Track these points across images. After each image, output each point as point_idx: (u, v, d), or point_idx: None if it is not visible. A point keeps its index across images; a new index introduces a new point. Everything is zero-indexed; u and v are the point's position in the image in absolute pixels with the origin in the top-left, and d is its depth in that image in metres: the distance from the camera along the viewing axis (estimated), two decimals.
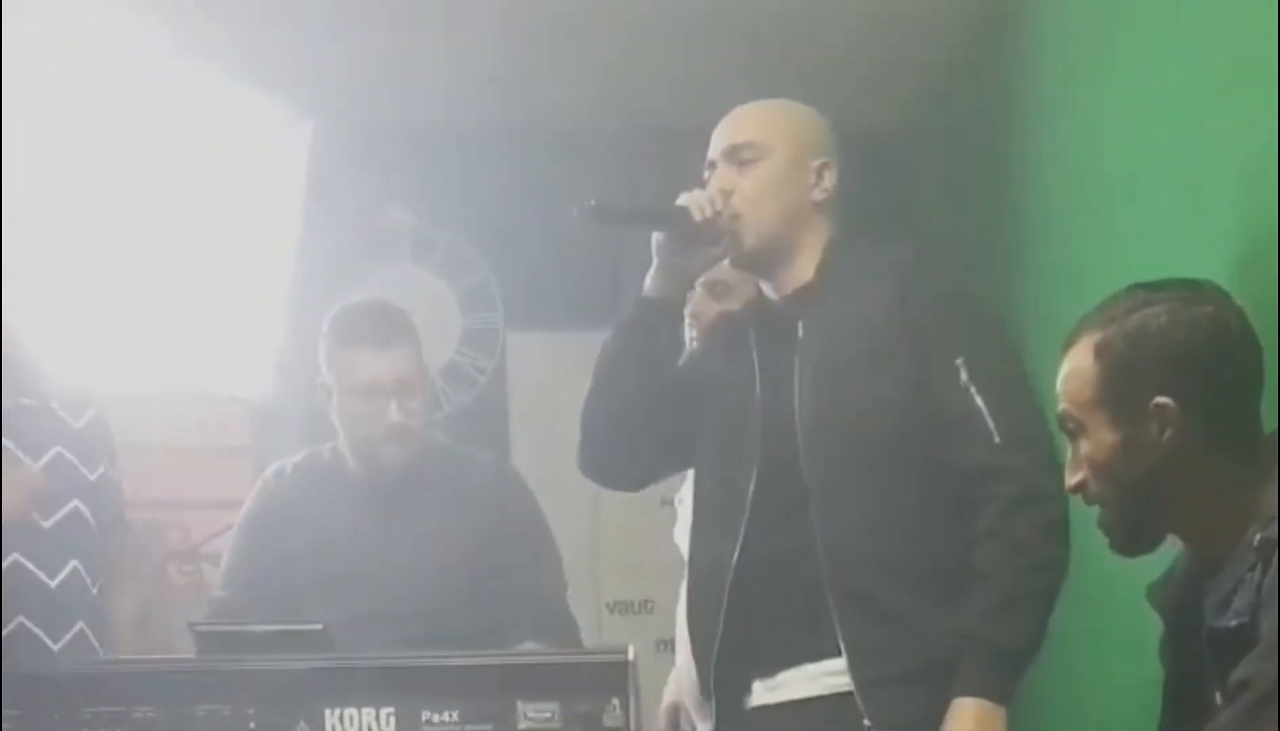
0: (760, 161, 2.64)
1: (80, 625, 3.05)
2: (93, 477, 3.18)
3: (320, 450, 3.38)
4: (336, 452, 3.33)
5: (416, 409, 3.25)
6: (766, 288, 2.71)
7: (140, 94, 3.97)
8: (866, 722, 2.44)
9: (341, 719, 2.42)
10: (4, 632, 2.93)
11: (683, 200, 2.61)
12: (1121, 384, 2.08)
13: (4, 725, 2.50)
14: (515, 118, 4.45)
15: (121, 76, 3.91)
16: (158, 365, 3.91)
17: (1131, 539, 2.14)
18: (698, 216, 2.59)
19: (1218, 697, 1.95)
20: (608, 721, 2.41)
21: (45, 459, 3.11)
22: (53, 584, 3.06)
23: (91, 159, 3.96)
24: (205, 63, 3.91)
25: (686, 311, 2.96)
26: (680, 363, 2.84)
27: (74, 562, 3.09)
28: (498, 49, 4.03)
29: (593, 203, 2.57)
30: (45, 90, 3.74)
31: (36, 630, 2.99)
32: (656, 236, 2.65)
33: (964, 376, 2.47)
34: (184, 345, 4.01)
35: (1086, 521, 2.22)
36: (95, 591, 3.11)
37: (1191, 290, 2.12)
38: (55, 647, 2.99)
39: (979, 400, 2.45)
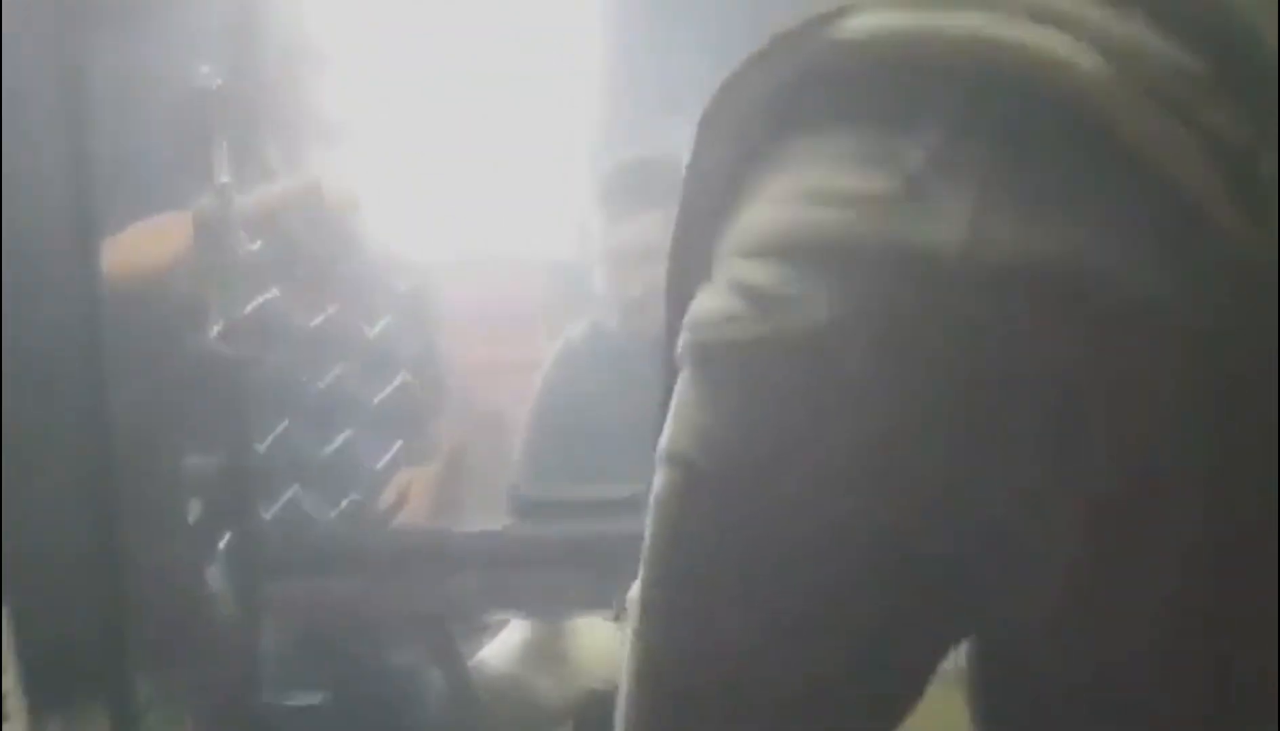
0: None
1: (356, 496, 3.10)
2: (417, 348, 3.21)
3: (601, 318, 3.36)
4: (607, 320, 3.30)
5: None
6: None
7: None
8: None
9: None
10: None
11: None
12: None
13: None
14: None
15: None
16: (460, 231, 3.91)
17: None
18: None
19: None
20: None
21: (378, 328, 3.15)
22: (378, 465, 3.10)
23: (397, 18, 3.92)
24: None
25: None
26: None
27: (398, 442, 3.14)
28: None
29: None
30: None
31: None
32: None
33: None
34: (484, 208, 4.00)
35: None
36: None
37: None
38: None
39: None
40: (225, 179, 2.34)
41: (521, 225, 4.02)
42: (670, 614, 1.30)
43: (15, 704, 2.84)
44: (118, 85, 2.49)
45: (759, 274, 1.20)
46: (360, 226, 3.12)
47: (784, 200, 1.21)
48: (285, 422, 3.03)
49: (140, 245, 2.83)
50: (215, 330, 2.33)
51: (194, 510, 2.55)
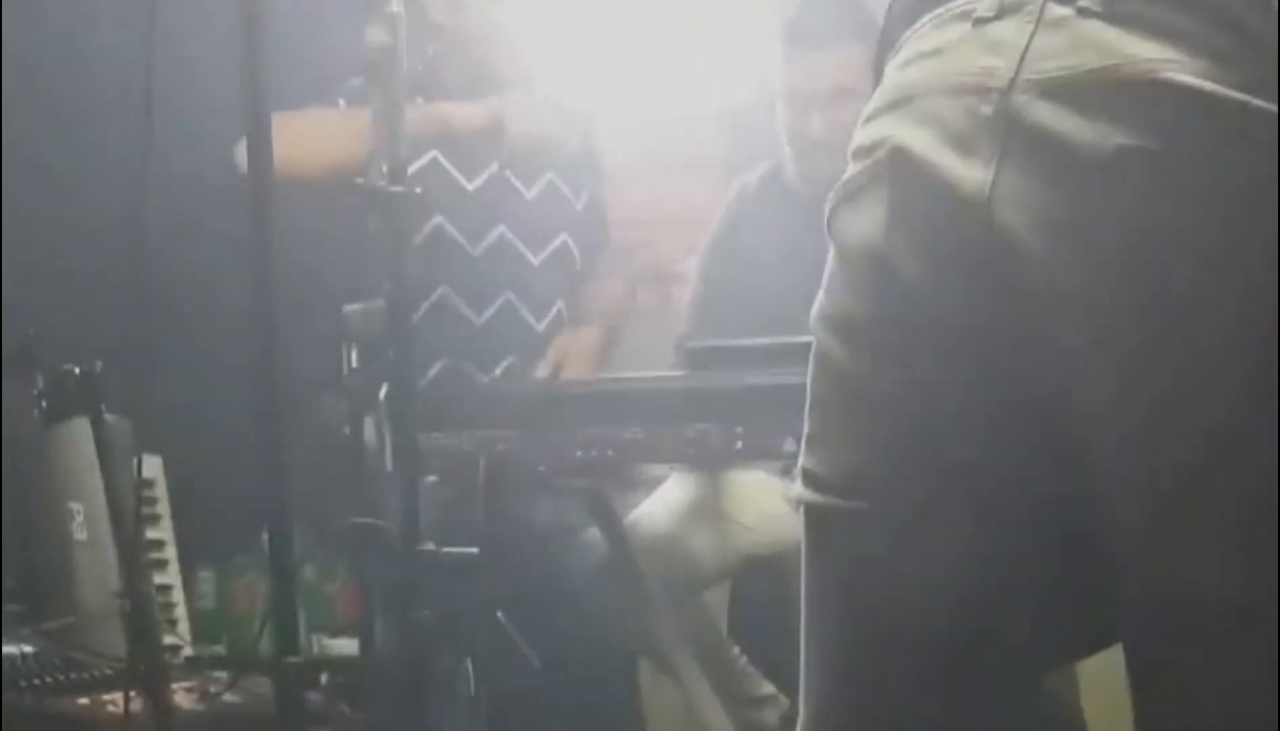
0: None
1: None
2: (579, 207, 3.15)
3: (776, 163, 3.24)
4: (784, 165, 3.19)
5: (848, 120, 3.04)
6: None
7: None
8: None
9: None
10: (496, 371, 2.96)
11: None
12: None
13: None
14: None
15: None
16: (628, 81, 3.81)
17: None
18: None
19: None
20: None
21: (538, 187, 3.09)
22: (539, 326, 3.05)
23: None
24: None
25: None
26: None
27: (559, 303, 3.08)
28: None
29: None
30: None
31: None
32: None
33: None
34: (656, 58, 3.89)
35: None
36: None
37: None
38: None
39: None
40: (395, 8, 2.26)
41: (695, 72, 3.90)
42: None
43: (170, 556, 2.86)
44: None
45: (861, 136, 1.29)
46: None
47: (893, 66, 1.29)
48: (443, 288, 2.99)
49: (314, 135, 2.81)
50: (382, 170, 2.26)
51: (352, 358, 2.52)
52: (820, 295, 1.32)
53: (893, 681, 1.29)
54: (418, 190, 2.32)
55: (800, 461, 1.33)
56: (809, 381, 1.33)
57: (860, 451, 1.27)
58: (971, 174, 1.19)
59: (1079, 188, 1.15)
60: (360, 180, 2.29)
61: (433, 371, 2.94)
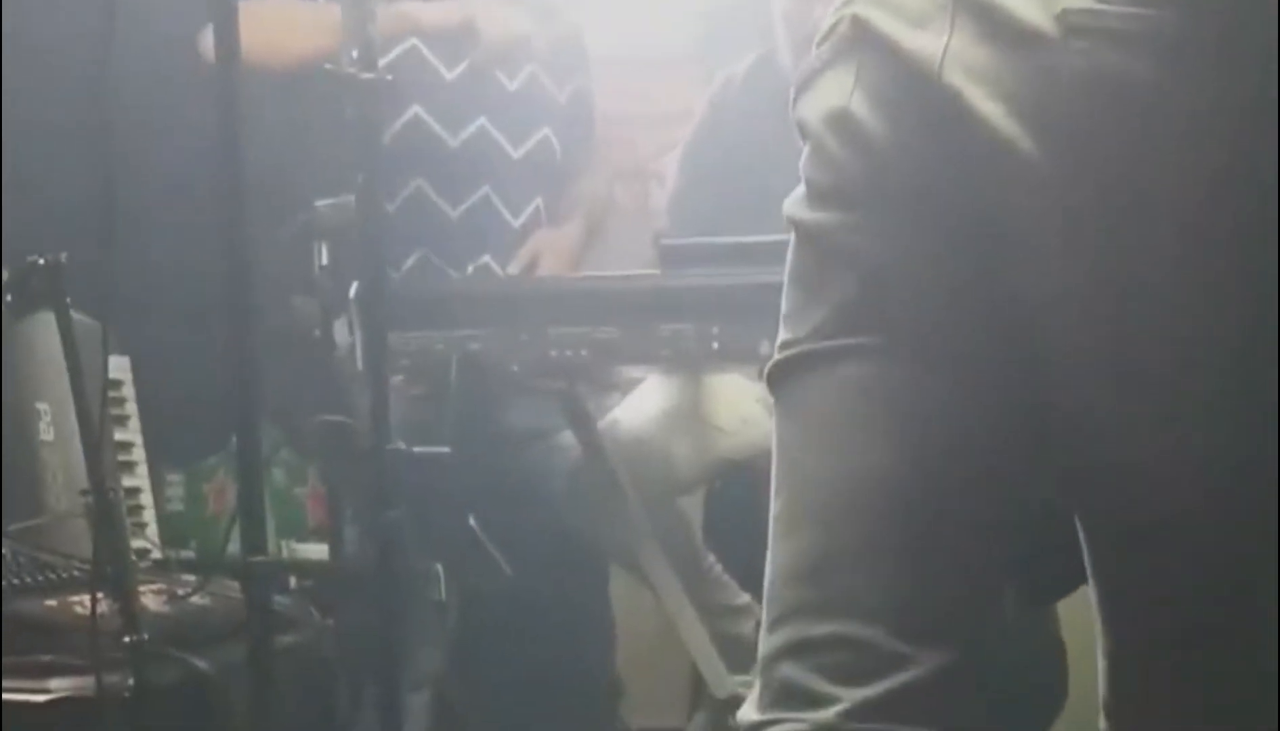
0: None
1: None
2: (563, 99, 3.09)
3: (766, 52, 3.18)
4: (775, 54, 3.14)
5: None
6: None
7: None
8: None
9: None
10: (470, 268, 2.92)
11: None
12: None
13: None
14: None
15: None
16: None
17: None
18: None
19: None
20: None
21: (520, 78, 3.03)
22: (516, 223, 3.01)
23: None
24: None
25: None
26: None
27: (538, 200, 3.04)
28: None
29: None
30: None
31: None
32: None
33: None
34: None
35: None
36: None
37: None
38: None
39: None
40: None
41: None
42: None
43: (139, 458, 2.82)
44: None
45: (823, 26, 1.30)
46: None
47: None
48: (418, 181, 2.94)
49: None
50: (352, 56, 2.20)
51: (323, 255, 2.47)
52: (797, 189, 1.33)
53: (860, 547, 1.27)
54: (389, 77, 2.27)
55: (778, 340, 1.33)
56: (787, 269, 1.33)
57: (832, 304, 1.27)
58: (926, 43, 1.23)
59: (1026, 59, 1.19)
60: (329, 66, 2.24)
61: (405, 266, 2.89)
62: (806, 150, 1.31)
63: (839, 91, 1.27)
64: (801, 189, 1.32)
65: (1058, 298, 1.20)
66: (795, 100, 1.33)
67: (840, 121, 1.27)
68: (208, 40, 2.14)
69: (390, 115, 2.78)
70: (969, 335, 1.24)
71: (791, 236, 1.32)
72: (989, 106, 1.20)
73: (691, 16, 3.92)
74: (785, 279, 1.33)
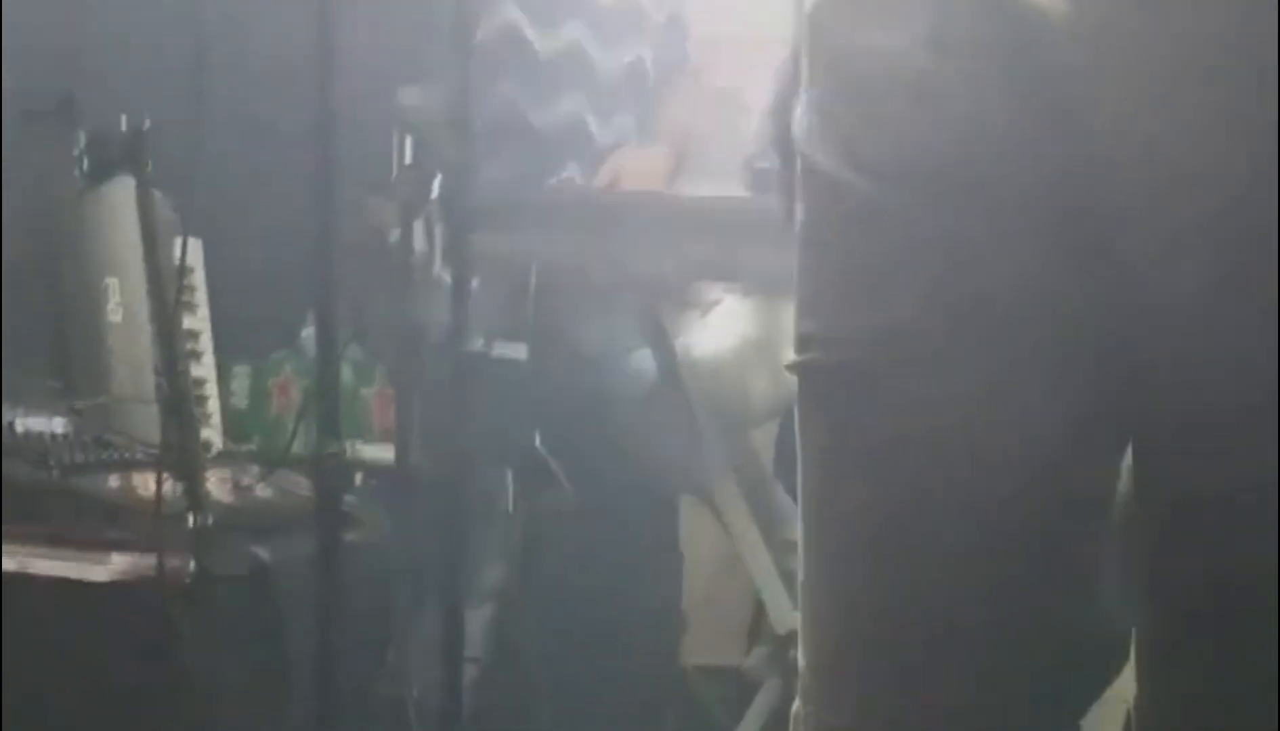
0: None
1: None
2: (660, 19, 3.04)
3: None
4: None
5: None
6: None
7: None
8: None
9: None
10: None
11: None
12: None
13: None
14: None
15: None
16: None
17: None
18: None
19: None
20: None
21: None
22: (604, 138, 2.95)
23: None
24: None
25: None
26: None
27: (628, 117, 2.98)
28: None
29: None
30: None
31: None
32: None
33: None
34: None
35: None
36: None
37: None
38: None
39: None
40: None
41: None
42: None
43: (206, 348, 2.78)
44: None
45: None
46: None
47: None
48: (509, 80, 2.88)
49: None
50: None
51: (406, 151, 2.42)
52: (812, 115, 1.14)
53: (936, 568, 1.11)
54: None
55: (800, 326, 1.16)
56: (803, 227, 1.16)
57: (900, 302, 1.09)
58: None
59: None
60: None
61: (489, 171, 2.84)
62: (841, 84, 1.13)
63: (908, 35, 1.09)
64: (829, 126, 1.12)
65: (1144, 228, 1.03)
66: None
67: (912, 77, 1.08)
68: None
69: (483, 15, 2.72)
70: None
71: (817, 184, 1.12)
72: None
73: None
74: (803, 243, 1.16)
